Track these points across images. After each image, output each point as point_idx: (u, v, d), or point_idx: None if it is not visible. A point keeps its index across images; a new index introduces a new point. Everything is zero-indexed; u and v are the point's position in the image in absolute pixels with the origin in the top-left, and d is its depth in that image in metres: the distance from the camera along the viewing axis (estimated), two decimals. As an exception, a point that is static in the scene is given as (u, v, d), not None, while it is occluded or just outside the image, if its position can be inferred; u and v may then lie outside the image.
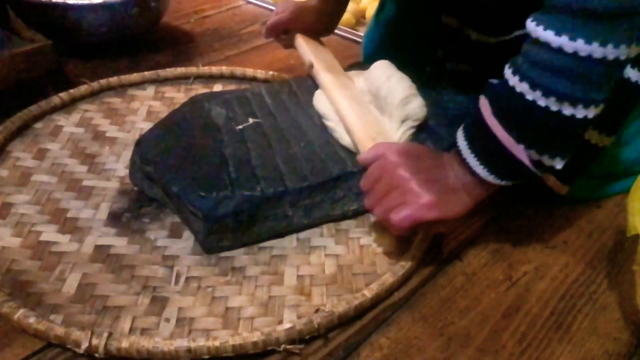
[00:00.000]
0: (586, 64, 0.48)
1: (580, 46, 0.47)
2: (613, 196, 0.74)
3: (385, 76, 0.72)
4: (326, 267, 0.62)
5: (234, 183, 0.62)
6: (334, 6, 0.88)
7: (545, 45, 0.49)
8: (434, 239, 0.65)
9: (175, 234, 0.64)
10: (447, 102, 0.76)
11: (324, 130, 0.72)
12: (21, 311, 0.53)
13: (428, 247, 0.64)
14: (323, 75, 0.76)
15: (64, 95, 0.85)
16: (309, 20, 0.86)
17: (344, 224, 0.67)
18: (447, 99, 0.77)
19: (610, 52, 0.47)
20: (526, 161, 0.53)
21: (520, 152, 0.53)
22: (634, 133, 0.70)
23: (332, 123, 0.71)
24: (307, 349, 0.53)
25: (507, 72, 0.53)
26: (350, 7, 1.22)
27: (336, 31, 1.18)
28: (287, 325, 0.53)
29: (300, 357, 0.53)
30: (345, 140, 0.69)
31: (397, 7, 0.89)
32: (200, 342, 0.50)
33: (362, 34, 1.15)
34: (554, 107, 0.50)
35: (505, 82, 0.53)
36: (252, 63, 1.03)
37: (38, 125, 0.81)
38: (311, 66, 0.79)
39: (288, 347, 0.52)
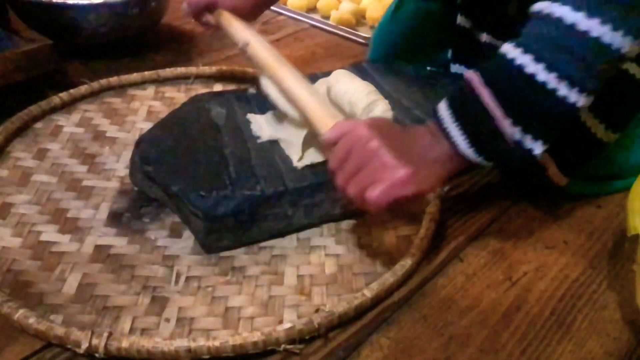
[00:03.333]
0: (594, 46, 0.48)
1: (593, 25, 0.48)
2: (613, 196, 0.74)
3: (346, 86, 0.70)
4: (326, 267, 0.62)
5: (234, 183, 0.62)
6: None
7: (558, 21, 0.50)
8: (434, 239, 0.66)
9: (175, 233, 0.64)
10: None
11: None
12: (21, 311, 0.53)
13: (428, 247, 0.64)
14: (265, 54, 0.69)
15: (64, 95, 0.85)
16: (237, 0, 0.78)
17: (344, 224, 0.67)
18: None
19: (618, 40, 0.48)
20: (509, 137, 0.52)
21: (506, 126, 0.52)
22: (637, 136, 0.70)
23: (285, 107, 0.66)
24: (307, 349, 0.53)
25: (507, 46, 0.53)
26: (350, 7, 1.22)
27: (336, 31, 1.18)
28: (287, 325, 0.53)
29: (300, 357, 0.53)
30: (293, 132, 0.65)
31: (415, 5, 0.90)
32: (201, 342, 0.50)
33: (362, 34, 1.15)
34: (551, 84, 0.50)
35: (503, 55, 0.53)
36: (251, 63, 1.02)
37: (38, 125, 0.81)
38: (247, 44, 0.70)
39: (288, 347, 0.52)
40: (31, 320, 0.52)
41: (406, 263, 0.60)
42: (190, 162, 0.64)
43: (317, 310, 0.55)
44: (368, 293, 0.57)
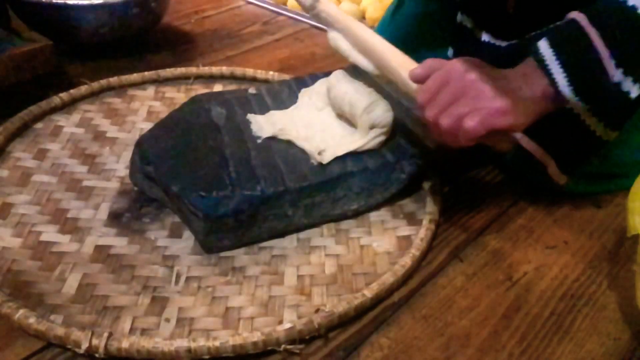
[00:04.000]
0: None
1: None
2: (613, 196, 0.74)
3: (346, 86, 0.70)
4: (326, 267, 0.62)
5: (234, 183, 0.62)
6: None
7: None
8: (434, 239, 0.66)
9: (175, 233, 0.64)
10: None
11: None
12: (21, 311, 0.53)
13: (428, 247, 0.64)
14: (335, 8, 0.70)
15: (64, 95, 0.85)
16: None
17: (344, 224, 0.67)
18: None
19: None
20: (610, 78, 0.53)
21: (611, 67, 0.53)
22: (636, 135, 0.70)
23: (358, 59, 0.68)
24: (307, 349, 0.53)
25: None
26: (350, 7, 1.22)
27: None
28: (287, 325, 0.53)
29: (300, 357, 0.53)
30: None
31: (415, 5, 0.90)
32: (201, 342, 0.50)
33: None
34: None
35: None
36: (252, 63, 1.03)
37: (38, 125, 0.81)
38: (316, 0, 0.71)
39: (288, 347, 0.52)
40: (31, 321, 0.52)
41: (406, 263, 0.60)
42: (190, 162, 0.64)
43: (317, 311, 0.55)
44: (368, 293, 0.57)
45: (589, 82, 0.54)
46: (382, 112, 0.67)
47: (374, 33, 0.68)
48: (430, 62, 0.59)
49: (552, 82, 0.55)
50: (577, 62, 0.54)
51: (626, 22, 0.52)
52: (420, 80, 0.58)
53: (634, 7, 0.51)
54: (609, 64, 0.53)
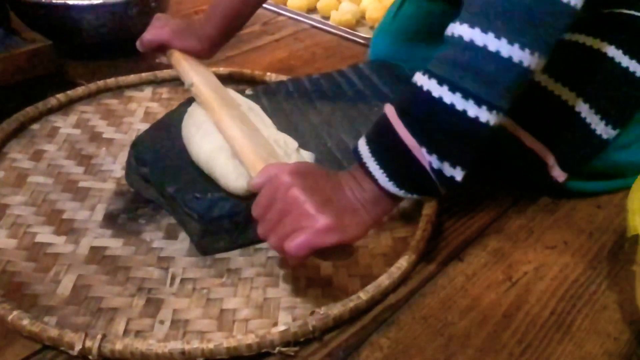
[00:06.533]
0: (494, 60, 0.47)
1: (490, 40, 0.47)
2: (613, 196, 0.73)
3: (197, 147, 0.64)
4: (322, 269, 0.61)
5: (229, 184, 0.61)
6: (219, 33, 0.78)
7: (458, 40, 0.49)
8: (434, 239, 0.65)
9: (170, 235, 0.64)
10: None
11: (320, 132, 0.72)
12: (15, 313, 0.52)
13: (425, 249, 0.63)
14: (206, 94, 0.67)
15: (61, 96, 0.85)
16: (189, 42, 0.76)
17: (342, 225, 0.67)
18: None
19: (516, 53, 0.47)
20: (427, 167, 0.50)
21: (422, 156, 0.50)
22: (635, 137, 0.70)
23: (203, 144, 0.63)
24: (306, 349, 0.53)
25: (417, 75, 0.52)
26: (350, 7, 1.22)
27: (336, 31, 1.18)
28: (281, 327, 0.52)
29: (298, 359, 0.52)
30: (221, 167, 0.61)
31: (416, 6, 0.89)
32: (195, 345, 0.50)
33: (362, 34, 1.15)
34: (459, 106, 0.48)
35: (414, 84, 0.51)
36: (251, 64, 1.02)
37: (35, 126, 0.81)
38: (191, 85, 0.69)
39: (283, 349, 0.52)
40: (25, 322, 0.52)
41: (402, 265, 0.60)
42: (186, 163, 0.64)
43: (312, 313, 0.54)
44: (363, 296, 0.56)
45: (405, 174, 0.51)
46: (233, 183, 0.60)
47: (237, 123, 0.63)
48: (266, 172, 0.54)
49: (374, 180, 0.52)
50: (390, 156, 0.51)
51: (426, 108, 0.50)
52: (258, 191, 0.53)
53: (428, 92, 0.49)
54: (419, 152, 0.50)
